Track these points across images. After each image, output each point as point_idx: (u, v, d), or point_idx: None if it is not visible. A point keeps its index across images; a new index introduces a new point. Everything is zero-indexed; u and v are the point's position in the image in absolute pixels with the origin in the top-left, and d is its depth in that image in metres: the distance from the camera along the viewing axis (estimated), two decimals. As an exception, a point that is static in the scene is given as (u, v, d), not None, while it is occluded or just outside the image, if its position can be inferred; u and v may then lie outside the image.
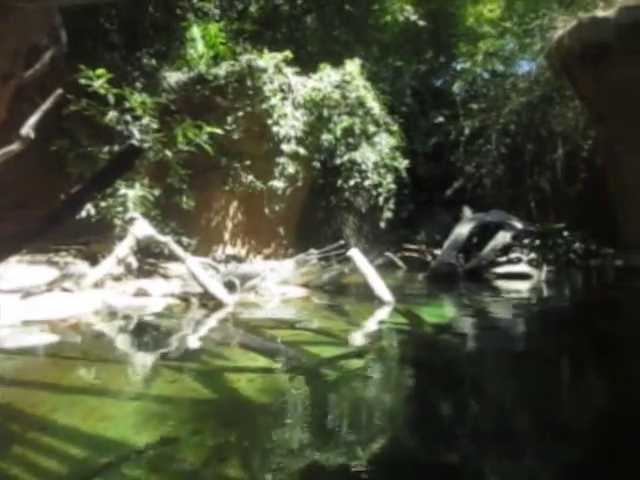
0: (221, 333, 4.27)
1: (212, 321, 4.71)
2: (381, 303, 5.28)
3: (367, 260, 5.97)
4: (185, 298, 5.41)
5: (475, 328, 4.58)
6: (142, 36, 7.96)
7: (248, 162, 8.89)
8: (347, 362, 3.18)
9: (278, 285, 6.35)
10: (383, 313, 5.01)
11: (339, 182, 9.85)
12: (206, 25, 9.05)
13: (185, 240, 7.61)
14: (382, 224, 10.25)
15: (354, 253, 6.01)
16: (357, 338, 4.03)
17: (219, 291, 5.30)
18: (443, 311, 5.38)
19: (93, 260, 6.13)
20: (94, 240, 6.77)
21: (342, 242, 7.56)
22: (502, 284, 7.42)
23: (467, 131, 11.59)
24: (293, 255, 8.49)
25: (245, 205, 9.73)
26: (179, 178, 7.17)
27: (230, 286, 5.90)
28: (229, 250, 9.59)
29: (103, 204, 6.56)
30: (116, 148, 6.61)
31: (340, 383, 2.78)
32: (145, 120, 6.80)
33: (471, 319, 5.00)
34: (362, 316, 5.01)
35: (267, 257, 10.08)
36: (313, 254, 7.25)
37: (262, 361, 3.23)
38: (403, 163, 10.15)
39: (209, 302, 5.24)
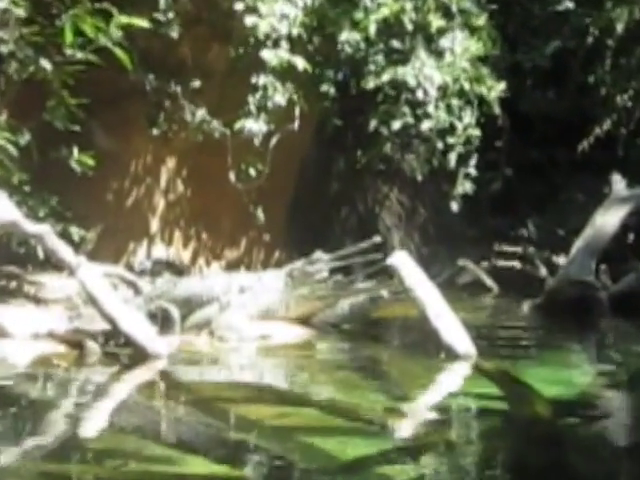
0: (140, 412, 4.27)
1: (126, 388, 4.72)
2: (452, 357, 5.30)
3: (426, 275, 5.98)
4: (76, 342, 5.44)
5: (630, 409, 4.58)
6: None
7: (197, 84, 8.87)
8: (387, 470, 3.15)
9: (254, 319, 6.39)
10: (455, 377, 5.07)
11: (372, 124, 9.83)
12: None
13: (77, 232, 7.62)
14: (454, 205, 10.20)
15: (400, 260, 6.03)
16: (406, 424, 4.05)
17: (141, 330, 5.33)
18: (570, 375, 5.41)
19: None
20: None
21: (377, 239, 7.54)
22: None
23: (619, 29, 11.51)
24: (283, 263, 8.48)
25: (192, 166, 9.74)
26: (66, 114, 7.18)
27: (163, 320, 5.94)
28: (160, 251, 9.61)
29: None
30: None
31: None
32: (2, 2, 6.82)
33: (622, 392, 5.01)
34: (415, 381, 5.05)
35: (232, 265, 10.09)
36: (321, 261, 7.22)
37: (215, 467, 3.20)
38: (496, 89, 10.11)
39: (122, 350, 5.27)
